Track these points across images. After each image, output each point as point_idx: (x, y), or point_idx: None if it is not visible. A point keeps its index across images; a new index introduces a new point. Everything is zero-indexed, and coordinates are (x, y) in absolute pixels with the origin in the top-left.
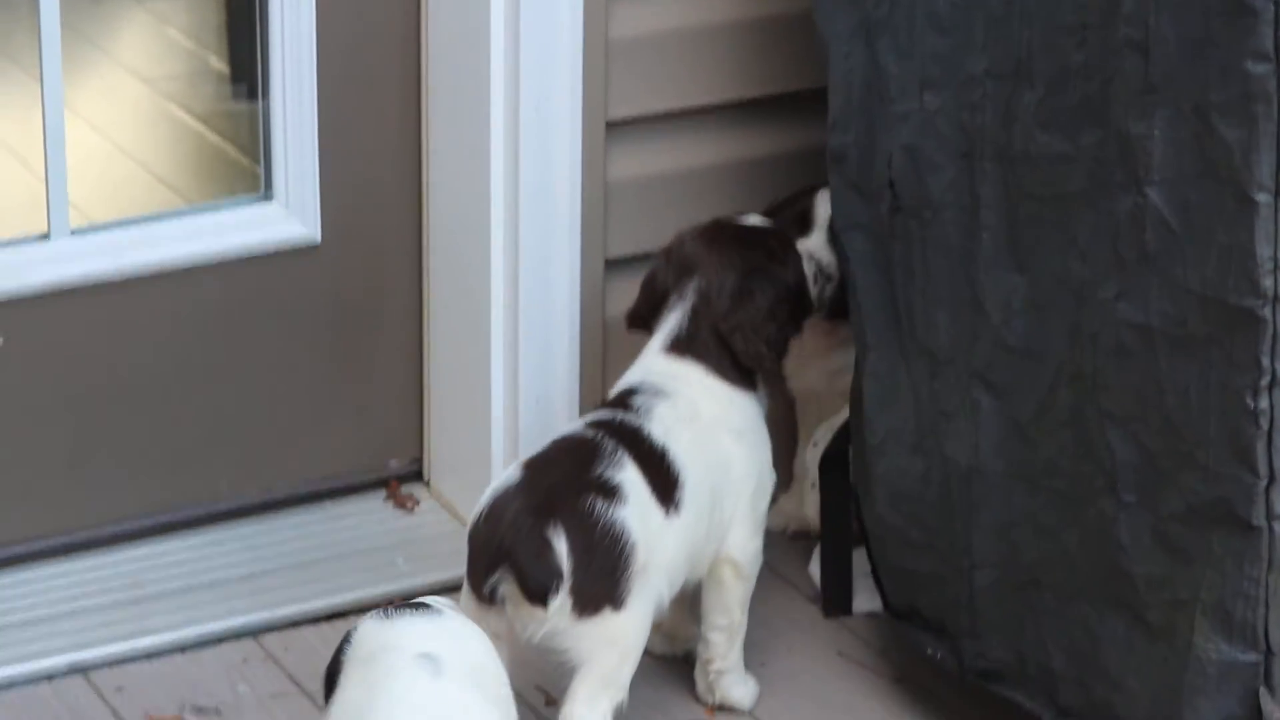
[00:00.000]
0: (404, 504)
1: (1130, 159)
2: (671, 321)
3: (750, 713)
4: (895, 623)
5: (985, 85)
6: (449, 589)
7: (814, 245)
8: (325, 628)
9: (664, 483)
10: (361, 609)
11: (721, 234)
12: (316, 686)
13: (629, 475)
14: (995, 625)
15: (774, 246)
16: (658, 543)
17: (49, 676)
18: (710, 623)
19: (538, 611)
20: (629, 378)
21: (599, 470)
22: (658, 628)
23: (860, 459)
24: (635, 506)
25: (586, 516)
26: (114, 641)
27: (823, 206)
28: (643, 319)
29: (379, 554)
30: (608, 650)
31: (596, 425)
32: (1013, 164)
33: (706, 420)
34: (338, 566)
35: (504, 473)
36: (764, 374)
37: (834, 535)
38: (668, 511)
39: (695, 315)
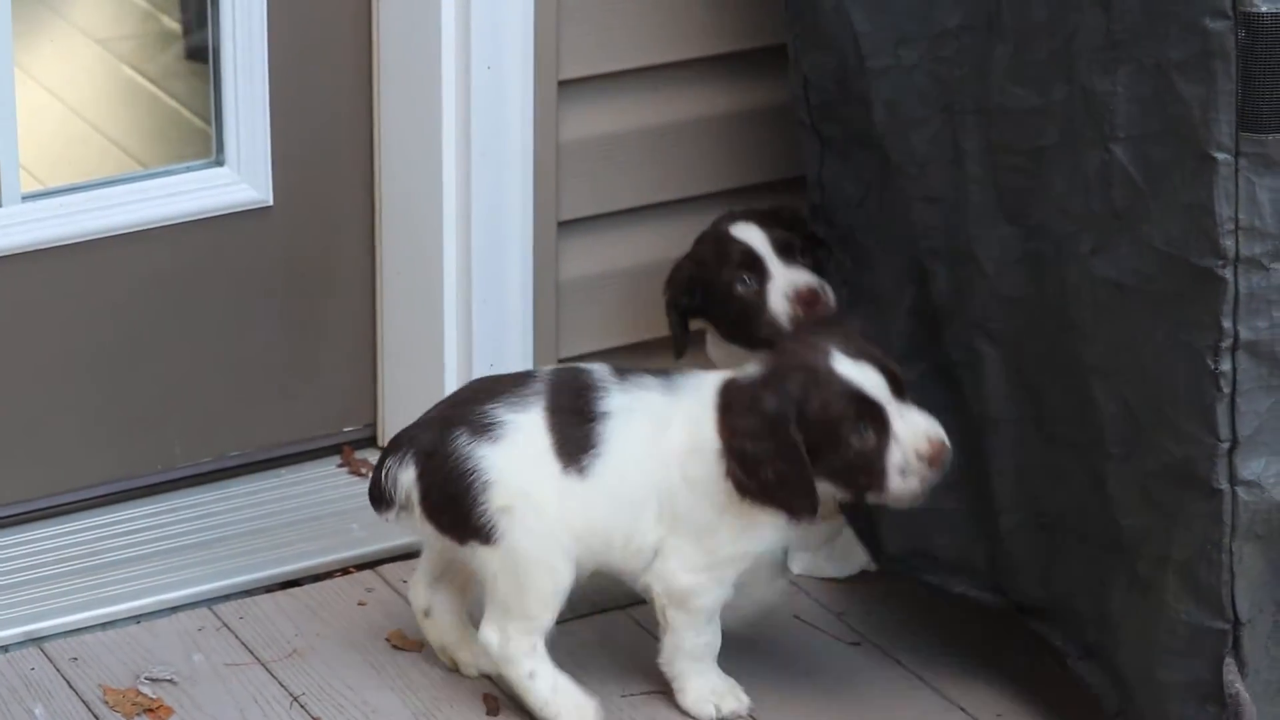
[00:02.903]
0: (358, 470)
1: (1097, 115)
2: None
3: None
4: (900, 564)
5: (960, 39)
6: (406, 555)
7: (785, 278)
8: (281, 596)
9: (576, 440)
10: (317, 576)
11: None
12: (272, 655)
13: (523, 418)
14: (1025, 565)
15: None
16: (545, 494)
17: (4, 648)
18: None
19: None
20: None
21: (487, 407)
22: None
23: None
24: (510, 447)
25: (441, 447)
26: (69, 612)
27: (750, 236)
28: None
29: (334, 520)
30: (495, 580)
31: (556, 369)
32: (991, 117)
33: (669, 439)
34: (293, 533)
35: None
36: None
37: None
38: (566, 468)
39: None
